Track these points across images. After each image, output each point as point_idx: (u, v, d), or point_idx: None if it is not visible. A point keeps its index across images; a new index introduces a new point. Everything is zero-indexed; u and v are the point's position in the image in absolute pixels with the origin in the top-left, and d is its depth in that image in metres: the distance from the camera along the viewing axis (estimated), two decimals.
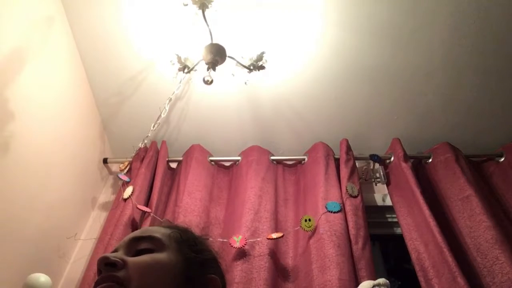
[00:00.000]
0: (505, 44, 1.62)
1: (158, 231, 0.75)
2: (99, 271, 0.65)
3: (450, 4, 1.52)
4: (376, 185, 1.79)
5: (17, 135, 1.28)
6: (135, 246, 0.71)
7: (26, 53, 1.33)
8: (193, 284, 0.70)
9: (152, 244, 0.70)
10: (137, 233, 0.75)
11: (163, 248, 0.70)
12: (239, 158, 1.81)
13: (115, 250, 0.72)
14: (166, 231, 0.76)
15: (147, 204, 1.57)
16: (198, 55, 1.45)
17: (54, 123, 1.49)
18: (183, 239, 0.76)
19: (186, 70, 1.49)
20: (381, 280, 1.08)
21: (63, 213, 1.54)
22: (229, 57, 1.45)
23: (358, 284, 1.21)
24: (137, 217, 1.52)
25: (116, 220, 1.48)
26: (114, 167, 1.92)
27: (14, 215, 1.28)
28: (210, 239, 1.46)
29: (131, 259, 0.66)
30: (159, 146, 1.80)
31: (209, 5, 1.35)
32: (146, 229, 0.82)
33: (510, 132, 1.83)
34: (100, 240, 1.47)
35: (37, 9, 1.41)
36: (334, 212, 1.47)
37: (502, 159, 1.77)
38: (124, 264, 0.64)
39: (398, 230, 1.74)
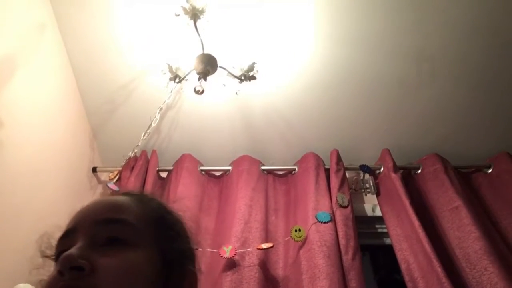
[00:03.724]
0: (494, 57, 1.65)
1: (131, 211, 0.63)
2: (61, 272, 0.52)
3: (440, 16, 1.55)
4: (366, 195, 1.80)
5: (5, 142, 1.26)
6: (103, 232, 0.58)
7: (16, 60, 1.32)
8: (169, 280, 0.59)
9: (124, 232, 0.58)
10: (105, 210, 0.62)
11: (137, 239, 0.59)
12: (229, 167, 1.81)
13: (73, 230, 0.60)
14: (139, 209, 0.64)
15: None
16: (189, 65, 1.46)
17: (43, 131, 1.48)
18: (159, 222, 0.65)
19: (177, 80, 1.49)
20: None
21: (51, 222, 1.51)
22: (220, 67, 1.46)
23: None
24: None
25: None
26: (104, 176, 1.90)
27: (1, 224, 1.26)
28: (199, 249, 1.45)
29: (102, 264, 0.53)
30: (149, 155, 1.79)
31: (201, 16, 1.35)
32: (115, 203, 0.65)
33: (498, 144, 1.85)
34: None
35: (28, 17, 1.40)
36: (324, 223, 1.47)
37: (490, 171, 1.80)
38: (93, 269, 0.52)
39: (388, 241, 1.74)
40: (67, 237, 0.60)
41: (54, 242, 0.65)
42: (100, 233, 0.57)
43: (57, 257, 0.60)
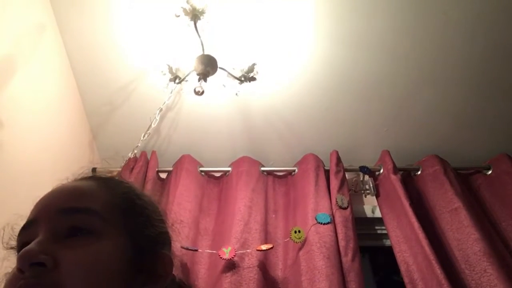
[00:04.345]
0: (494, 59, 1.66)
1: (96, 197, 0.58)
2: (20, 270, 0.48)
3: (441, 17, 1.55)
4: (365, 197, 1.80)
5: (5, 143, 1.26)
6: (66, 222, 0.53)
7: (16, 60, 1.32)
8: (141, 268, 0.56)
9: (89, 221, 0.53)
10: (67, 198, 0.57)
11: (103, 228, 0.54)
12: (229, 169, 1.81)
13: (34, 221, 0.55)
14: (105, 195, 0.59)
15: None
16: (189, 66, 1.46)
17: (42, 131, 1.48)
18: (128, 208, 0.60)
19: (177, 81, 1.49)
20: None
21: None
22: (220, 68, 1.46)
23: None
24: None
25: None
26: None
27: (1, 225, 1.25)
28: (199, 250, 1.45)
29: (65, 258, 0.49)
30: (149, 156, 1.79)
31: (201, 17, 1.35)
32: (78, 190, 0.60)
33: (498, 145, 1.85)
34: None
35: (28, 17, 1.40)
36: (324, 224, 1.47)
37: (490, 172, 1.79)
38: (55, 264, 0.48)
39: (387, 242, 1.74)
40: (28, 228, 0.56)
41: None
42: (62, 223, 0.53)
43: (19, 251, 0.55)
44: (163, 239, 0.64)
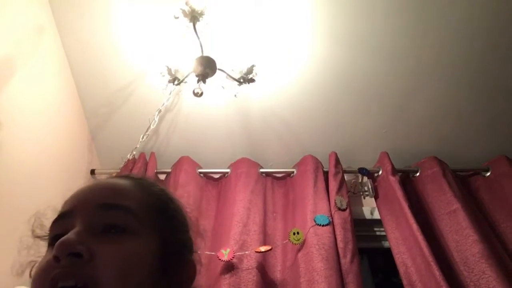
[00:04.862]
0: (492, 61, 1.66)
1: (132, 196, 0.59)
2: (56, 258, 0.48)
3: (440, 18, 1.55)
4: (364, 198, 1.80)
5: (4, 144, 1.26)
6: (103, 218, 0.54)
7: (16, 62, 1.32)
8: (168, 272, 0.56)
9: (125, 219, 0.54)
10: (105, 194, 0.58)
11: (137, 227, 0.55)
12: (228, 170, 1.81)
13: (70, 213, 0.55)
14: (141, 195, 0.60)
15: None
16: (188, 67, 1.46)
17: (41, 132, 1.48)
18: (161, 210, 0.61)
19: (176, 82, 1.49)
20: None
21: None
22: (219, 69, 1.46)
23: None
24: None
25: None
26: (102, 178, 1.90)
27: (0, 226, 1.25)
28: (198, 252, 1.45)
29: (101, 251, 0.49)
30: (147, 158, 1.79)
31: (200, 18, 1.36)
32: (116, 187, 0.61)
33: (496, 147, 1.86)
34: None
35: (27, 18, 1.40)
36: (323, 226, 1.47)
37: (488, 174, 1.80)
38: (91, 257, 0.48)
39: (386, 244, 1.74)
40: (63, 219, 0.56)
41: (46, 222, 0.61)
42: (99, 218, 0.53)
43: (51, 240, 0.56)
44: (190, 245, 0.65)
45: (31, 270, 0.62)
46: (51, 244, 0.55)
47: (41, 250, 0.58)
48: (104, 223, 0.53)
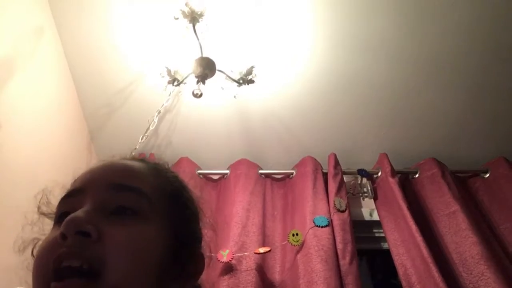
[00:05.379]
0: (492, 63, 1.66)
1: (147, 180, 0.56)
2: (63, 236, 0.45)
3: (440, 21, 1.55)
4: (363, 199, 1.80)
5: (3, 145, 1.26)
6: (115, 199, 0.51)
7: (15, 63, 1.32)
8: (179, 263, 0.54)
9: (138, 202, 0.52)
10: (119, 175, 0.55)
11: (150, 212, 0.52)
12: (227, 171, 1.80)
13: (80, 190, 0.53)
14: (155, 180, 0.57)
15: None
16: (188, 68, 1.46)
17: (40, 133, 1.48)
18: (175, 197, 0.59)
19: (175, 83, 1.49)
20: None
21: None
22: (218, 70, 1.46)
23: None
24: None
25: None
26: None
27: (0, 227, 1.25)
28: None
29: (110, 232, 0.47)
30: None
31: (200, 19, 1.36)
32: (131, 168, 0.58)
33: (495, 148, 1.86)
34: None
35: (27, 19, 1.40)
36: (322, 227, 1.47)
37: (487, 175, 1.80)
38: (100, 237, 0.46)
39: (385, 245, 1.74)
40: (72, 197, 0.54)
41: (53, 199, 0.59)
42: (111, 199, 0.51)
43: (58, 217, 0.54)
44: (200, 237, 0.63)
45: (33, 248, 0.60)
46: (57, 222, 0.53)
47: (45, 228, 0.56)
48: (116, 205, 0.50)
